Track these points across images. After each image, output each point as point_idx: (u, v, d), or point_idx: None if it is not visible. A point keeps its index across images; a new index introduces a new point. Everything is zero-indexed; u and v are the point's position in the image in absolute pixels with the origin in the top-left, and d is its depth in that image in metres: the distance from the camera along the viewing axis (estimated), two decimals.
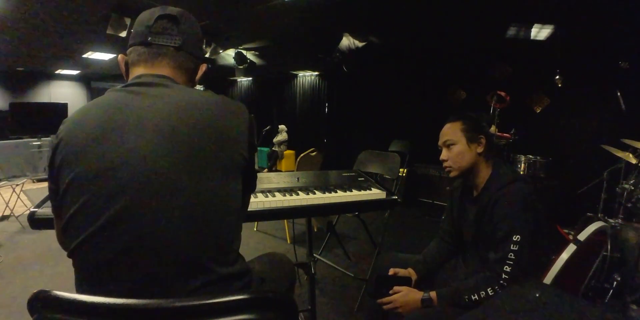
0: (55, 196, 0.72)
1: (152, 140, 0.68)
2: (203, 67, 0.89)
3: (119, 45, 4.96)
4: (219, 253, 0.70)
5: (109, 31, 3.58)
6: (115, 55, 5.84)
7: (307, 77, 7.09)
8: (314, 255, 1.78)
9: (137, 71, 0.81)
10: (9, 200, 3.72)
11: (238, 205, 0.75)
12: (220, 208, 0.70)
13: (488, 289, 1.13)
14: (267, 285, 0.95)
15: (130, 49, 0.83)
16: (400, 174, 3.82)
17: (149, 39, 0.80)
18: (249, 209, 1.06)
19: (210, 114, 0.74)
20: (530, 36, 3.71)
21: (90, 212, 0.65)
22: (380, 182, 1.63)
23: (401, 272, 1.41)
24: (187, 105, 0.73)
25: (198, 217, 0.67)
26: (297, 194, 1.39)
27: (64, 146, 0.70)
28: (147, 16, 0.82)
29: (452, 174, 1.33)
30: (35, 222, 1.05)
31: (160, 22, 0.80)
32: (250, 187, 0.85)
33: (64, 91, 8.66)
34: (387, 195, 1.51)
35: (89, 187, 0.66)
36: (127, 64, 0.83)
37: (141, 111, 0.71)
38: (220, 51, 4.98)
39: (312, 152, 3.39)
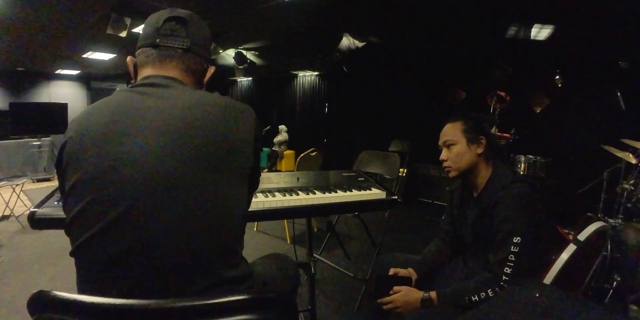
0: (62, 194, 0.72)
1: (157, 141, 0.67)
2: (211, 70, 0.90)
3: (119, 45, 4.98)
4: (223, 256, 0.70)
5: (109, 31, 3.59)
6: (115, 55, 5.84)
7: (307, 77, 7.09)
8: (314, 255, 1.78)
9: (145, 72, 0.81)
10: (9, 200, 3.71)
11: (242, 208, 0.74)
12: (224, 211, 0.70)
13: (488, 291, 1.13)
14: (269, 288, 0.94)
15: (138, 50, 0.83)
16: (400, 174, 3.83)
17: (158, 40, 0.80)
18: (249, 209, 1.06)
19: (217, 116, 0.73)
20: (530, 36, 3.71)
21: (94, 212, 0.65)
22: (380, 182, 1.62)
23: (401, 272, 1.40)
24: (193, 107, 0.73)
25: (202, 220, 0.67)
26: (297, 194, 1.39)
27: (70, 146, 0.70)
28: (155, 18, 0.82)
29: (451, 174, 1.33)
30: (35, 222, 1.05)
31: (169, 24, 0.80)
32: (253, 187, 0.85)
33: (64, 91, 8.66)
34: (387, 195, 1.51)
35: (93, 187, 0.66)
36: (135, 66, 0.84)
37: (147, 112, 0.71)
38: (220, 51, 4.99)
39: (312, 152, 3.39)
